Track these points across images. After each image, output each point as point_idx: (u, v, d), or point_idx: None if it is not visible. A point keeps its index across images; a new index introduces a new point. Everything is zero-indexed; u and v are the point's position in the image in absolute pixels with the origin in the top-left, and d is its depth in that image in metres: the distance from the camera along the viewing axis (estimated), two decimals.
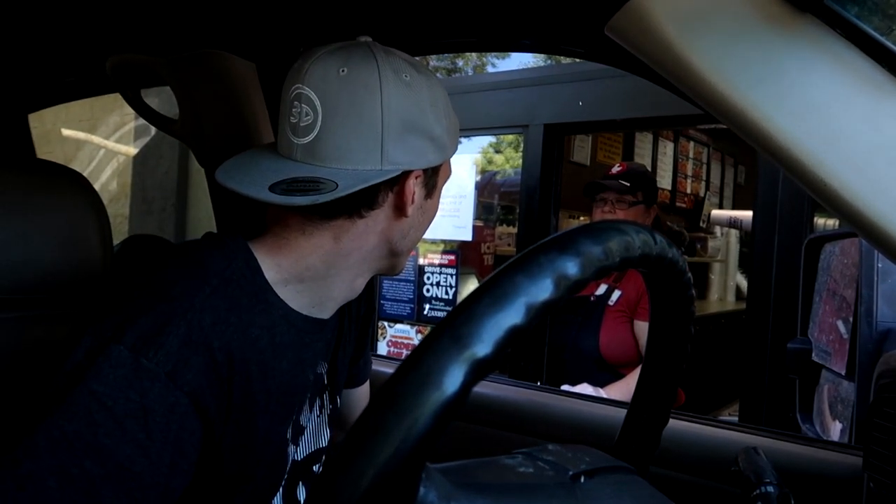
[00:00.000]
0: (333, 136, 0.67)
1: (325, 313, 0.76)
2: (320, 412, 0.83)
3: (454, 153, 0.78)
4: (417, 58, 0.79)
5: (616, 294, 1.91)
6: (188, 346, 0.60)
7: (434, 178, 0.76)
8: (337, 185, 0.65)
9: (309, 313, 0.74)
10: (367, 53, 0.68)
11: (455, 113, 0.78)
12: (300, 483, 0.80)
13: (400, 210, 0.72)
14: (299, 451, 0.79)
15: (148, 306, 0.61)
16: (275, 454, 0.73)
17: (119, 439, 0.56)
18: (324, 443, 0.85)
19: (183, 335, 0.60)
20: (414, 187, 0.72)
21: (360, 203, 0.69)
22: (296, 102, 0.68)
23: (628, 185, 1.92)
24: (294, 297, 0.72)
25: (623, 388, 1.75)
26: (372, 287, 0.93)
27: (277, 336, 0.69)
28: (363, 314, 0.93)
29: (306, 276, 0.71)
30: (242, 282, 0.67)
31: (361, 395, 1.01)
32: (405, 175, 0.70)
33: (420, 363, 0.30)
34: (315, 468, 0.83)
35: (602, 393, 1.71)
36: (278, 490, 0.76)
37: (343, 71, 0.66)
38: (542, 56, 6.93)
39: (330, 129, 0.67)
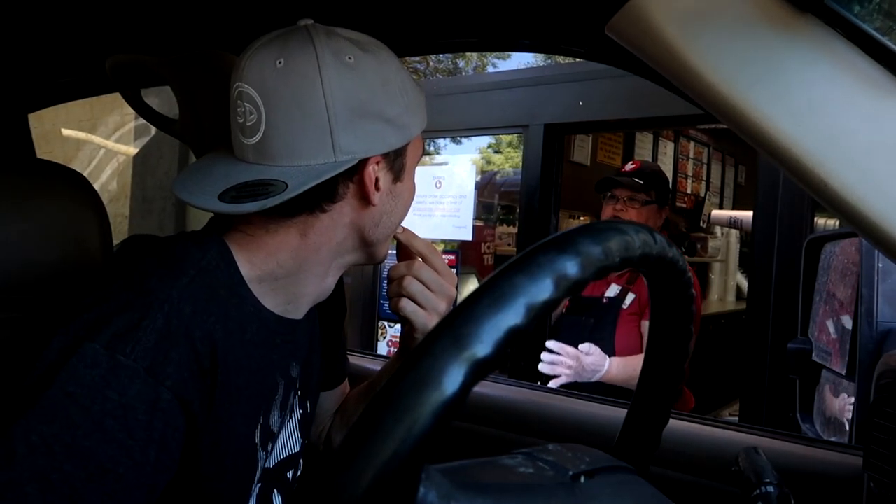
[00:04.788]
0: (280, 133, 0.63)
1: (298, 313, 0.74)
2: (290, 417, 0.80)
3: (420, 130, 0.72)
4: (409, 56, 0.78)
5: (630, 297, 1.87)
6: (167, 339, 0.58)
7: (400, 160, 0.71)
8: (287, 186, 0.62)
9: (282, 313, 0.71)
10: (305, 39, 0.64)
11: (417, 87, 0.72)
12: (275, 490, 0.78)
13: (365, 199, 0.68)
14: (271, 458, 0.76)
15: (122, 301, 0.59)
16: (245, 459, 0.70)
17: (100, 441, 0.54)
18: (296, 448, 0.81)
19: (160, 327, 0.58)
20: (375, 174, 0.67)
21: (319, 198, 0.66)
22: (239, 101, 0.65)
23: (642, 182, 1.86)
24: (268, 295, 0.69)
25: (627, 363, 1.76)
26: (342, 287, 0.90)
27: (248, 333, 0.66)
28: (335, 314, 0.90)
29: (279, 273, 0.69)
30: (218, 272, 0.65)
31: (340, 396, 0.99)
32: (363, 163, 0.66)
33: (420, 363, 0.30)
34: (289, 475, 0.80)
35: (600, 355, 1.73)
36: (249, 499, 0.73)
37: (280, 62, 0.63)
38: (542, 56, 6.94)
39: (275, 125, 0.63)
